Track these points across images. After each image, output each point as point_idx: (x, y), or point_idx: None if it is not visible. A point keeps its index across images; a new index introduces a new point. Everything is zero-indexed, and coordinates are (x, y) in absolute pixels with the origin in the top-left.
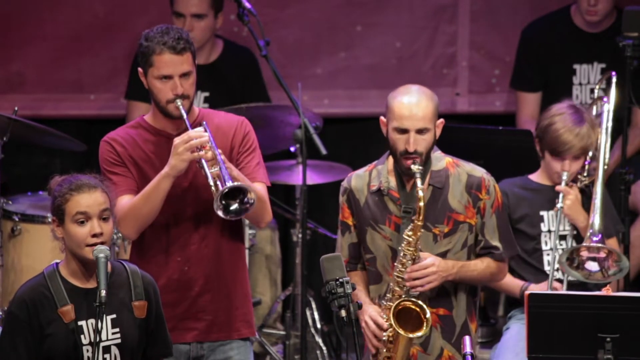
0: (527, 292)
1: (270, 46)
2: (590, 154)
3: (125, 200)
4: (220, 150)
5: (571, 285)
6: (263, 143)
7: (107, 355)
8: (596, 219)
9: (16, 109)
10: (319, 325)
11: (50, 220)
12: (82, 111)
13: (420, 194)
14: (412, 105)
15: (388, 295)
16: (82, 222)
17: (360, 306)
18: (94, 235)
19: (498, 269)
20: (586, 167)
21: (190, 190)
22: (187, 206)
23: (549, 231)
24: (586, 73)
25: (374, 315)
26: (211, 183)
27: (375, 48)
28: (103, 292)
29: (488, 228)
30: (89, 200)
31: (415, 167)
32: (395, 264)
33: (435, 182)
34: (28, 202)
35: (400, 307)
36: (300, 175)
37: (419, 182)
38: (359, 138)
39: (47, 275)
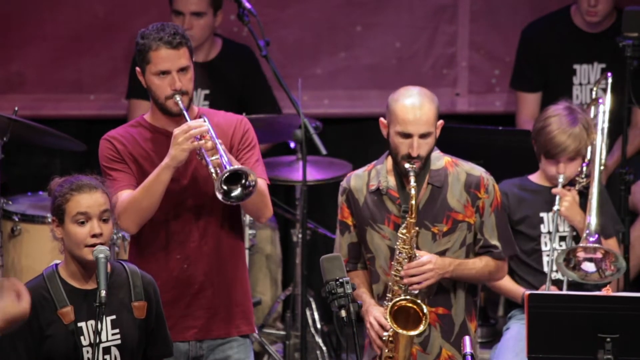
0: (527, 292)
1: (270, 46)
2: (589, 155)
3: (125, 195)
4: (220, 140)
5: (571, 286)
6: (262, 139)
7: (107, 356)
8: (592, 220)
9: (16, 109)
10: (319, 325)
11: (50, 220)
12: (82, 111)
13: (413, 192)
14: (416, 109)
15: (389, 295)
16: (82, 223)
17: (360, 306)
18: (94, 236)
19: (497, 267)
20: (584, 169)
21: (189, 187)
22: (186, 203)
23: (549, 232)
24: (586, 73)
25: (378, 316)
26: (212, 171)
27: (375, 48)
28: (103, 293)
29: (487, 227)
30: (89, 200)
31: (409, 165)
32: (393, 262)
33: (434, 182)
34: (28, 202)
35: (397, 307)
36: (300, 172)
37: (412, 179)
38: (358, 138)
39: (47, 276)
